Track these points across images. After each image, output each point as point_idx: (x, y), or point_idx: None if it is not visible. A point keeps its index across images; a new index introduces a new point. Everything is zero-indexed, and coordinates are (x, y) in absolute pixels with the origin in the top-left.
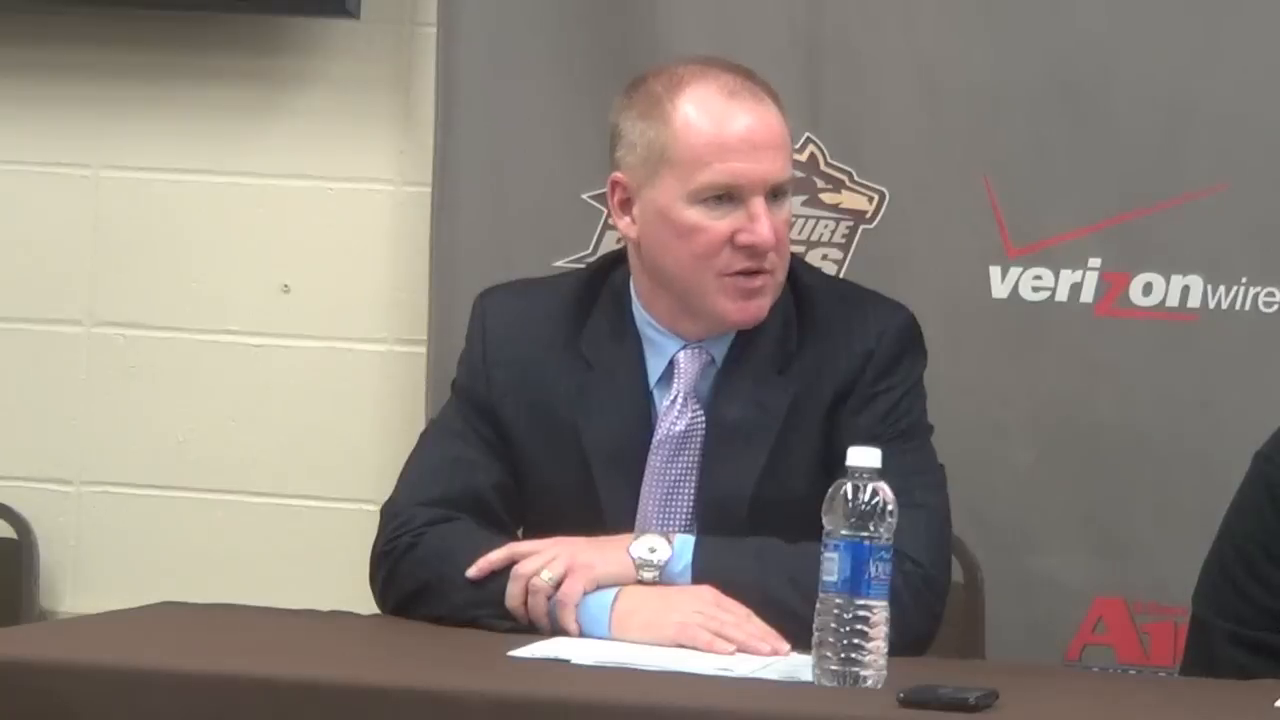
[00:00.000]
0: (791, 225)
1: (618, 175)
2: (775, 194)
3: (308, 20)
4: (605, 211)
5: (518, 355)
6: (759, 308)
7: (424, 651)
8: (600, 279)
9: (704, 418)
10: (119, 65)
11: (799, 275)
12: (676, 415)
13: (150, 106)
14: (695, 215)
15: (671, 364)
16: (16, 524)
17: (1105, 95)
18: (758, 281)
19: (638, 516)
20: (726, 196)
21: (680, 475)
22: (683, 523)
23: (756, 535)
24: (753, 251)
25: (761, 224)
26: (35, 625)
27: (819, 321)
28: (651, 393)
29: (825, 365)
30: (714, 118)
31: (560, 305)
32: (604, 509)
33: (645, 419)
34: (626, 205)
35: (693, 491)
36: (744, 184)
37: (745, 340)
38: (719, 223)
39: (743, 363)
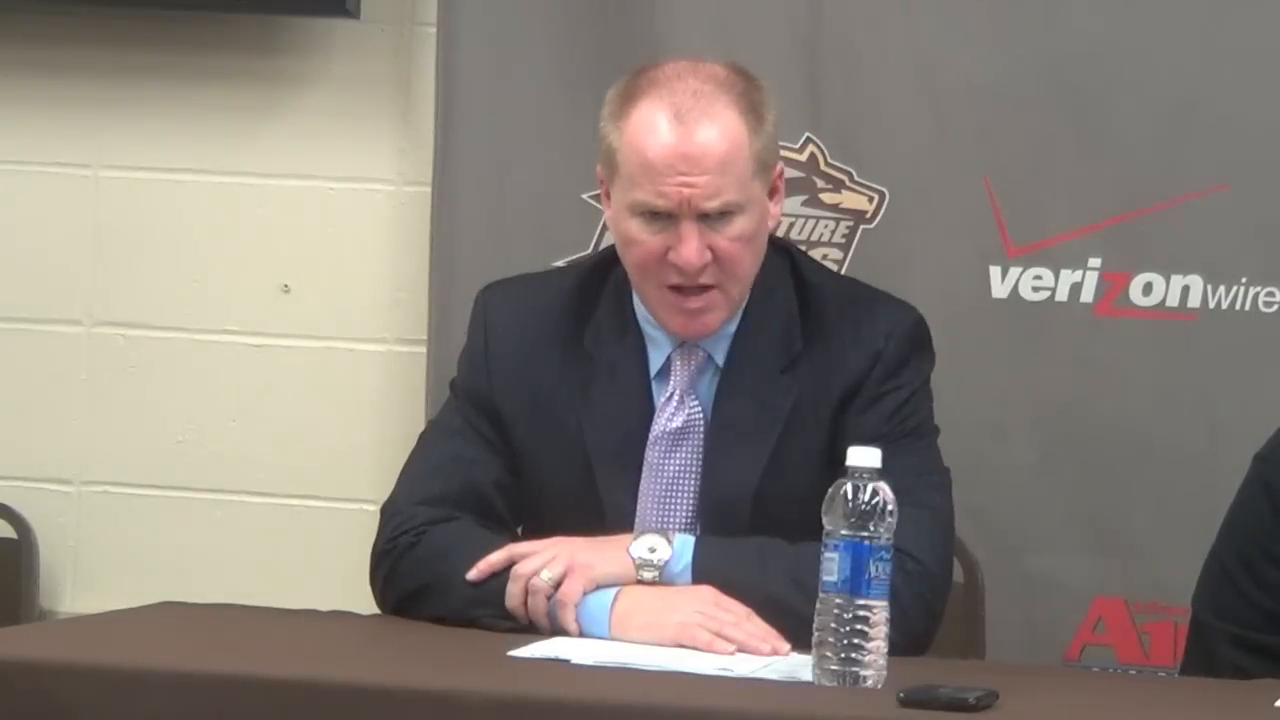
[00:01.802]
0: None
1: (599, 168)
2: (722, 213)
3: (308, 20)
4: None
5: (520, 349)
6: (703, 324)
7: (424, 651)
8: (604, 272)
9: (702, 414)
10: (119, 65)
11: (805, 273)
12: (673, 411)
13: (150, 106)
14: (634, 228)
15: (668, 360)
16: (16, 524)
17: (1105, 95)
18: (696, 303)
19: (637, 512)
20: (664, 212)
21: (679, 472)
22: (684, 521)
23: (760, 535)
24: (680, 271)
25: (686, 246)
26: (35, 625)
27: (827, 321)
28: (652, 386)
29: (832, 364)
30: (650, 139)
31: (562, 299)
32: (604, 504)
33: (646, 414)
34: (608, 196)
35: (694, 490)
36: (671, 207)
37: (746, 339)
38: (654, 238)
39: (744, 361)
